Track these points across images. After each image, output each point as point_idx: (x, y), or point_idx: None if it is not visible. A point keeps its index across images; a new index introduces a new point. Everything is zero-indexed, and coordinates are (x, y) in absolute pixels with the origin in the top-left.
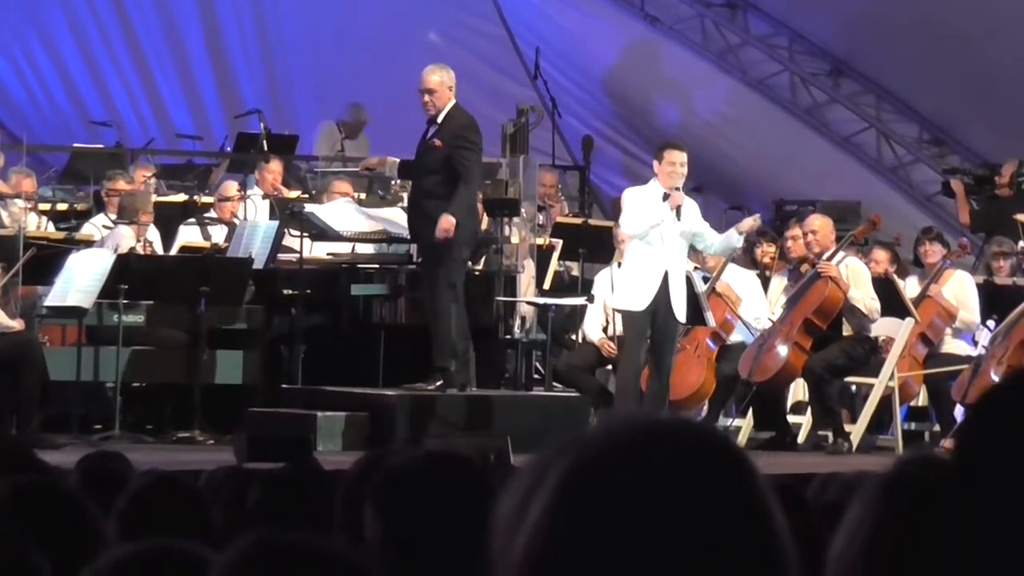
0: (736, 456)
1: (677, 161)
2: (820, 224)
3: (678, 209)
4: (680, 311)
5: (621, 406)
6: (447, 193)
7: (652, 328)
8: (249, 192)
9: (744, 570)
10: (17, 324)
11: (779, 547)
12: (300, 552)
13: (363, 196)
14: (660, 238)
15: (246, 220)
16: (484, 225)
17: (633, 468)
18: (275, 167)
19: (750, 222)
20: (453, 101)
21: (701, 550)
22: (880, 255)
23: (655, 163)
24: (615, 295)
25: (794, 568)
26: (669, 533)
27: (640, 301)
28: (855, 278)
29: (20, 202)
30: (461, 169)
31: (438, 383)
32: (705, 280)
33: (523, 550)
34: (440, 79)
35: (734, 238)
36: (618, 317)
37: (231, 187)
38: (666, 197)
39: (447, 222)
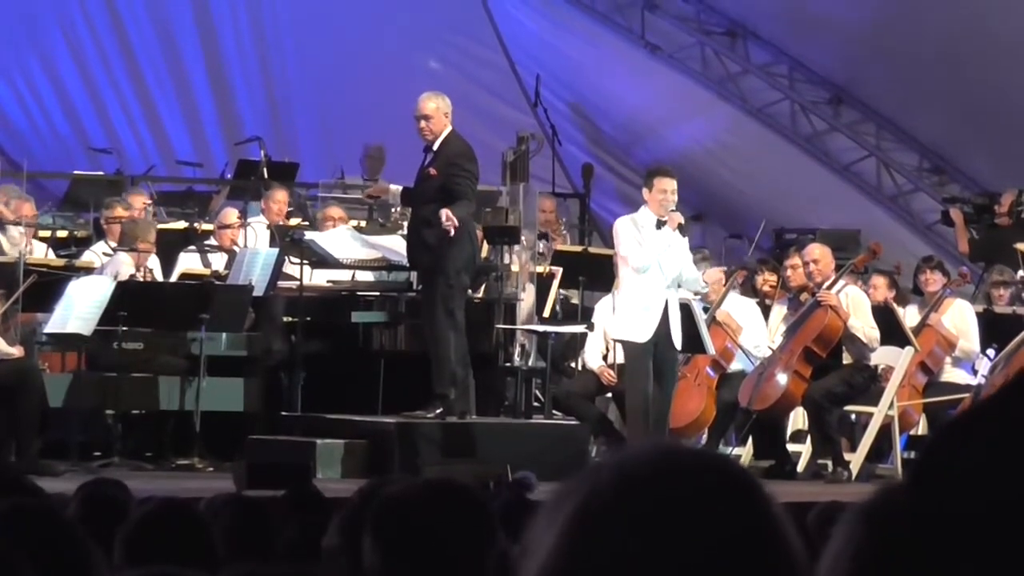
0: (752, 486)
1: (668, 188)
2: (820, 253)
3: (680, 227)
4: (677, 340)
5: (633, 437)
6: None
7: (653, 358)
8: (250, 220)
9: None
10: (17, 351)
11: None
12: None
13: (363, 223)
14: (659, 267)
15: (246, 247)
16: (484, 253)
17: (647, 499)
18: (281, 197)
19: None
20: (449, 128)
21: None
22: (879, 283)
23: (644, 191)
24: (616, 325)
25: None
26: (683, 565)
27: (643, 333)
28: (855, 307)
29: (21, 228)
30: (456, 192)
31: (437, 411)
32: (705, 309)
33: None
34: (436, 106)
35: (698, 284)
36: (618, 345)
37: (231, 214)
38: (660, 225)
39: (446, 213)
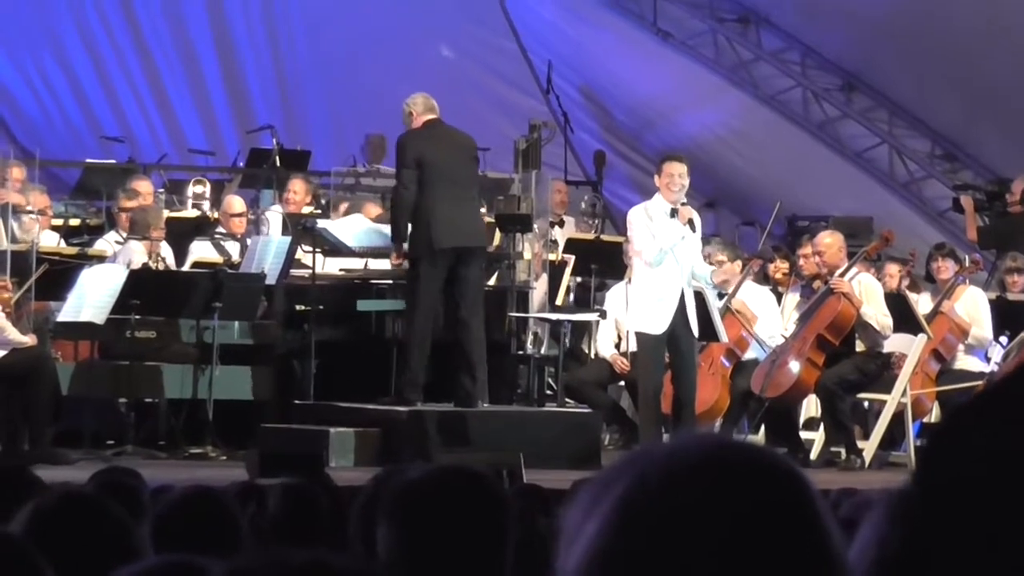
0: (799, 481)
1: (676, 172)
2: (828, 243)
3: (690, 222)
4: (695, 326)
5: (645, 427)
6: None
7: (670, 348)
8: (272, 208)
9: None
10: (30, 340)
11: (837, 571)
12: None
13: (381, 212)
14: (674, 258)
15: (259, 236)
16: (496, 241)
17: (696, 488)
18: (299, 187)
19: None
20: (425, 119)
21: (759, 572)
22: (893, 270)
23: (656, 177)
24: (631, 316)
25: None
26: (729, 556)
27: (658, 324)
28: (868, 294)
29: (34, 215)
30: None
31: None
32: (721, 296)
33: (578, 563)
34: (403, 111)
35: (706, 283)
36: (631, 333)
37: (237, 202)
38: (674, 214)
39: (396, 250)
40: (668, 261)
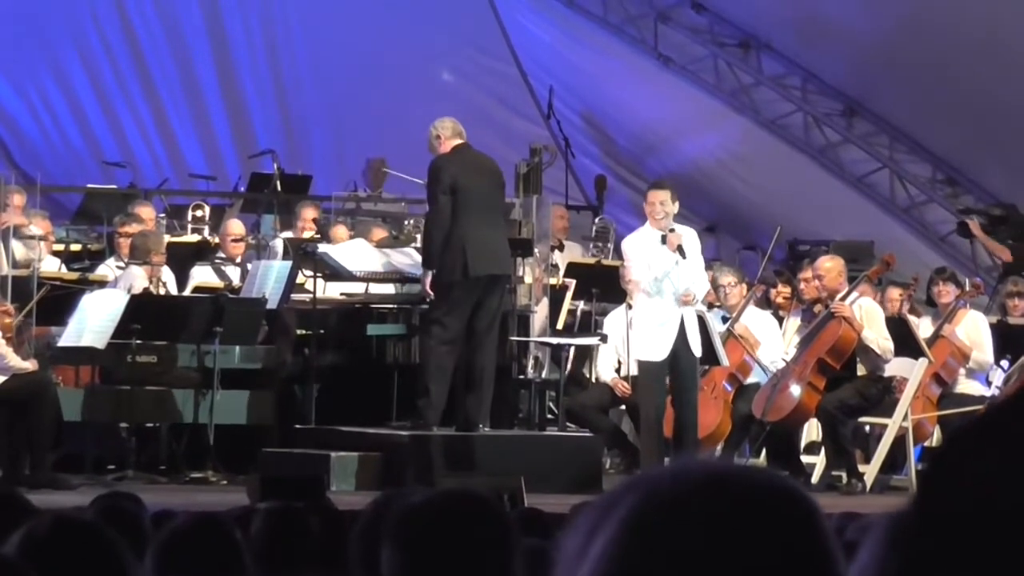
0: (806, 505)
1: (656, 200)
2: (828, 267)
3: (680, 248)
4: (696, 347)
5: (646, 449)
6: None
7: (671, 370)
8: (279, 235)
9: None
10: (31, 365)
11: None
12: None
13: (385, 236)
14: (670, 284)
15: (259, 260)
16: None
17: (703, 508)
18: (309, 215)
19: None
20: (453, 143)
21: None
22: (894, 294)
23: (645, 205)
24: (633, 344)
25: None
26: (738, 570)
27: (659, 352)
28: (869, 318)
29: (34, 229)
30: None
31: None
32: (724, 320)
33: None
34: (430, 135)
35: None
36: (630, 357)
37: (235, 227)
38: (663, 240)
39: (421, 279)
40: (665, 287)
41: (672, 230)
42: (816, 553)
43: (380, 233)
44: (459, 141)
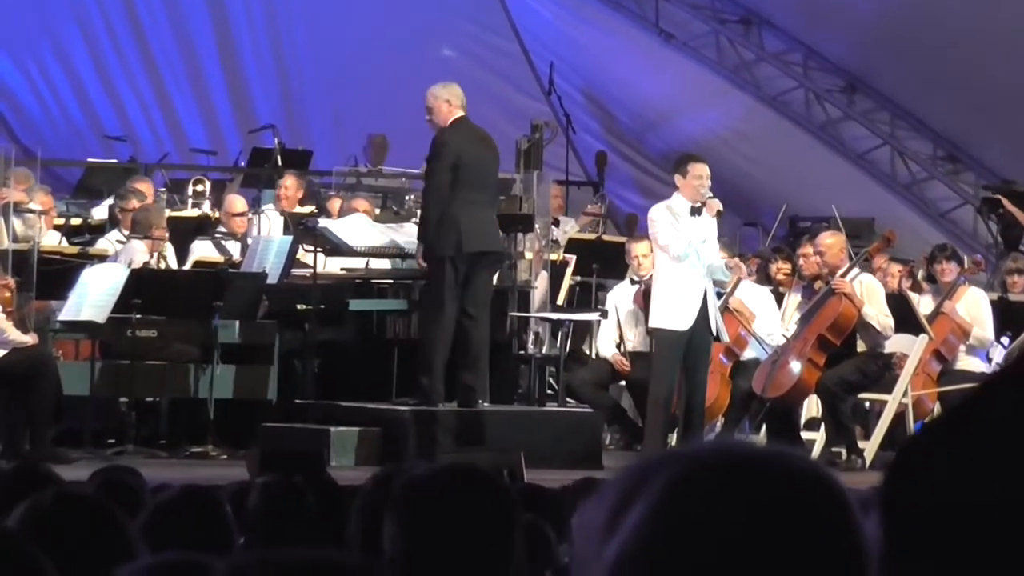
0: (839, 492)
1: (703, 174)
2: (829, 243)
3: (719, 213)
4: (715, 327)
5: (652, 423)
6: (420, 210)
7: (687, 346)
8: (264, 207)
9: None
10: (31, 339)
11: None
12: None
13: (378, 212)
14: (697, 255)
15: (259, 235)
16: None
17: (743, 485)
18: (290, 183)
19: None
20: (456, 115)
21: (799, 572)
22: (894, 270)
23: (677, 177)
24: (654, 314)
25: None
26: (769, 552)
27: (683, 321)
28: (869, 295)
29: (34, 206)
30: (424, 187)
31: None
32: (719, 296)
33: (619, 551)
34: (435, 94)
35: (722, 273)
36: (630, 333)
37: (238, 202)
38: (693, 212)
39: (416, 252)
40: (691, 258)
41: (711, 196)
42: (848, 541)
43: (365, 205)
44: (462, 113)
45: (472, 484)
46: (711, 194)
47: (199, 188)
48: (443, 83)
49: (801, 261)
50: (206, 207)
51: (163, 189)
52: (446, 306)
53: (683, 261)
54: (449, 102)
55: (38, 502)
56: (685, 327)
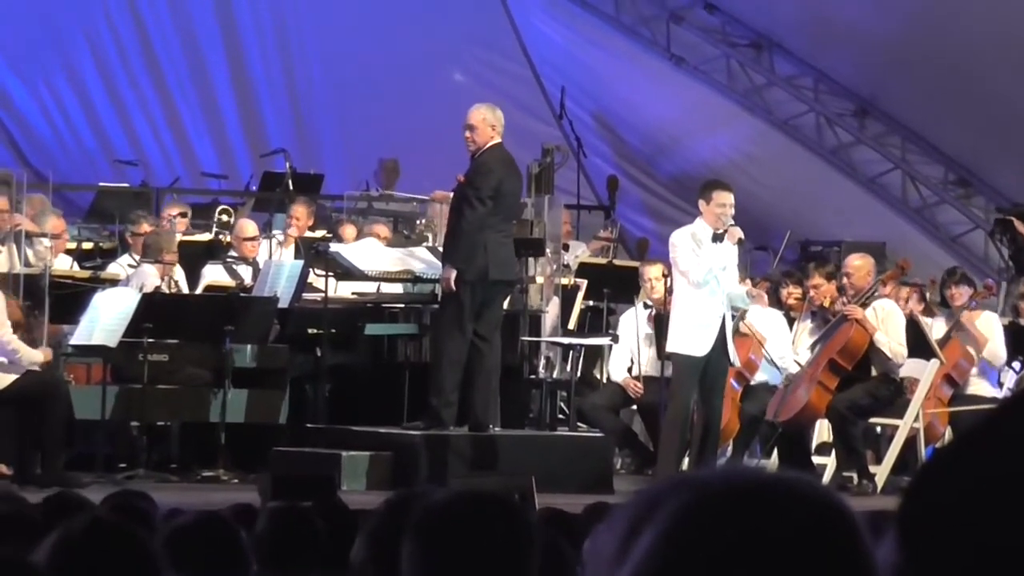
0: (848, 518)
1: (727, 203)
2: (857, 265)
3: (740, 241)
4: (732, 354)
5: (666, 445)
6: (452, 232)
7: (704, 372)
8: (275, 232)
9: None
10: (42, 355)
11: None
12: None
13: (389, 235)
14: (716, 281)
15: (271, 259)
16: None
17: (751, 512)
18: (300, 212)
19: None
20: (495, 141)
21: None
22: (904, 292)
23: (701, 203)
24: (672, 338)
25: None
26: (783, 570)
27: (700, 347)
28: (887, 321)
29: (46, 241)
30: (459, 208)
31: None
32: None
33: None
34: (483, 117)
35: (743, 301)
36: (643, 357)
37: (248, 226)
38: (715, 238)
39: (445, 273)
40: (710, 285)
41: (732, 224)
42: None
43: (384, 231)
44: (499, 140)
45: (492, 510)
46: (733, 222)
47: (224, 218)
48: (489, 105)
49: (811, 292)
50: (215, 231)
51: (179, 215)
52: (461, 330)
53: (702, 288)
54: (494, 127)
55: (70, 530)
56: (702, 353)
